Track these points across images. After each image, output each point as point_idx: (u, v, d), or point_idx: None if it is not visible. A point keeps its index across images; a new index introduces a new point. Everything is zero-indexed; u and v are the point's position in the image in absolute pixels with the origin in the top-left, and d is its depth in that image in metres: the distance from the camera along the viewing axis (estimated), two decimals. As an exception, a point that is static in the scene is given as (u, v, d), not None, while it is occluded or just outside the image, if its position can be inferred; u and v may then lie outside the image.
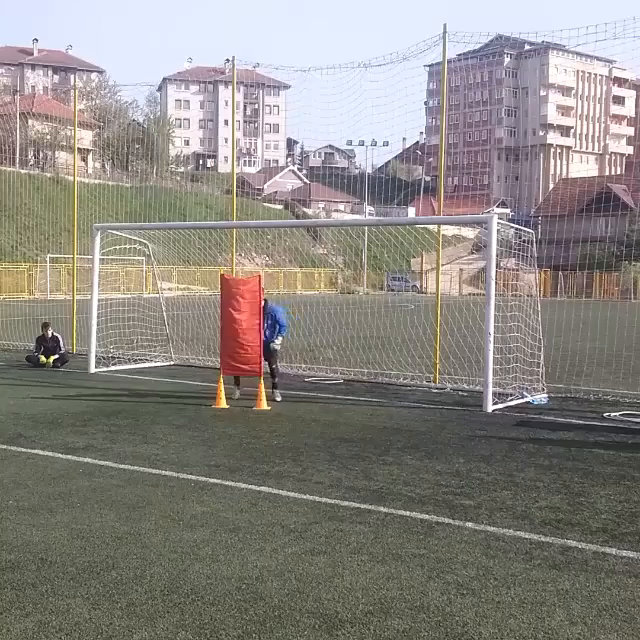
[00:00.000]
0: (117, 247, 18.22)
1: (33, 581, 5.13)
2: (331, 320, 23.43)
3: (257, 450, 9.05)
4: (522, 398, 12.87)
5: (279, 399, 12.73)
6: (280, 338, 13.08)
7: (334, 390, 14.06)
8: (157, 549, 5.75)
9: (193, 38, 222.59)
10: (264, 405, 12.02)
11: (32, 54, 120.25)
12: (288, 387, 14.22)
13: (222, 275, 13.07)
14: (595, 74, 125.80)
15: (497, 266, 12.74)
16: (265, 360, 12.61)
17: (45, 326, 17.25)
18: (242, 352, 12.36)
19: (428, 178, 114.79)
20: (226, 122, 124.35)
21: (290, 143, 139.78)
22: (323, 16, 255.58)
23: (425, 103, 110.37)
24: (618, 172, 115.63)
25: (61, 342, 17.15)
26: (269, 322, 12.90)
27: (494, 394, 12.33)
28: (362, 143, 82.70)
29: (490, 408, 11.99)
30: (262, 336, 12.40)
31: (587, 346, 19.13)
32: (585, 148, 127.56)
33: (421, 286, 67.76)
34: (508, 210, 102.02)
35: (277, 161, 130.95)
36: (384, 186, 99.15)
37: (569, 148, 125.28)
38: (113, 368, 16.22)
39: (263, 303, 12.50)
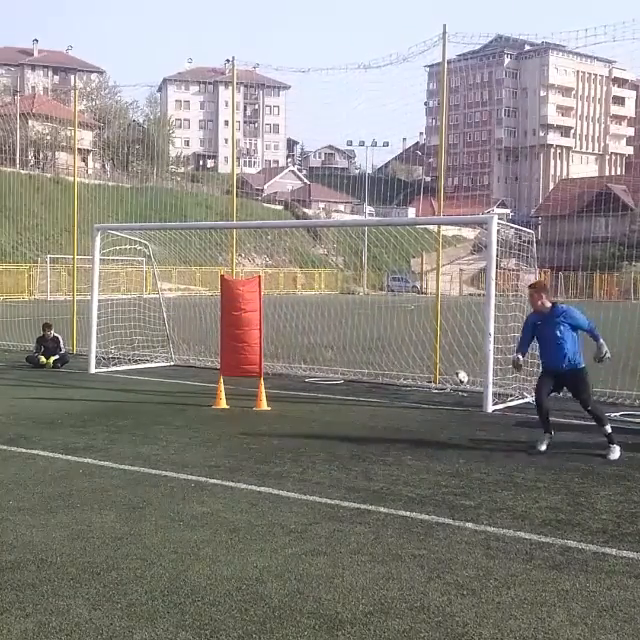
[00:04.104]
0: (117, 248, 18.22)
1: (33, 581, 5.13)
2: (331, 320, 23.43)
3: (257, 450, 9.04)
4: (522, 398, 12.85)
5: None
6: None
7: (334, 390, 14.05)
8: (157, 549, 5.74)
9: (193, 38, 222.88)
10: (264, 405, 12.01)
11: (32, 54, 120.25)
12: (288, 387, 14.24)
13: (222, 276, 13.07)
14: (595, 74, 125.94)
15: (497, 266, 12.74)
16: None
17: (46, 327, 17.22)
18: (242, 353, 12.36)
19: (428, 178, 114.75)
20: (226, 122, 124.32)
21: (290, 143, 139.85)
22: (323, 16, 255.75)
23: (425, 103, 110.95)
24: (618, 172, 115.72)
25: (61, 342, 17.13)
26: None
27: (494, 394, 12.33)
28: (362, 143, 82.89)
29: (490, 408, 11.98)
30: (262, 336, 12.41)
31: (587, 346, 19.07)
32: (585, 148, 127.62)
33: (421, 286, 67.72)
34: (508, 210, 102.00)
35: (277, 161, 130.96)
36: (384, 186, 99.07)
37: (569, 148, 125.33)
38: (113, 368, 16.22)
39: None
